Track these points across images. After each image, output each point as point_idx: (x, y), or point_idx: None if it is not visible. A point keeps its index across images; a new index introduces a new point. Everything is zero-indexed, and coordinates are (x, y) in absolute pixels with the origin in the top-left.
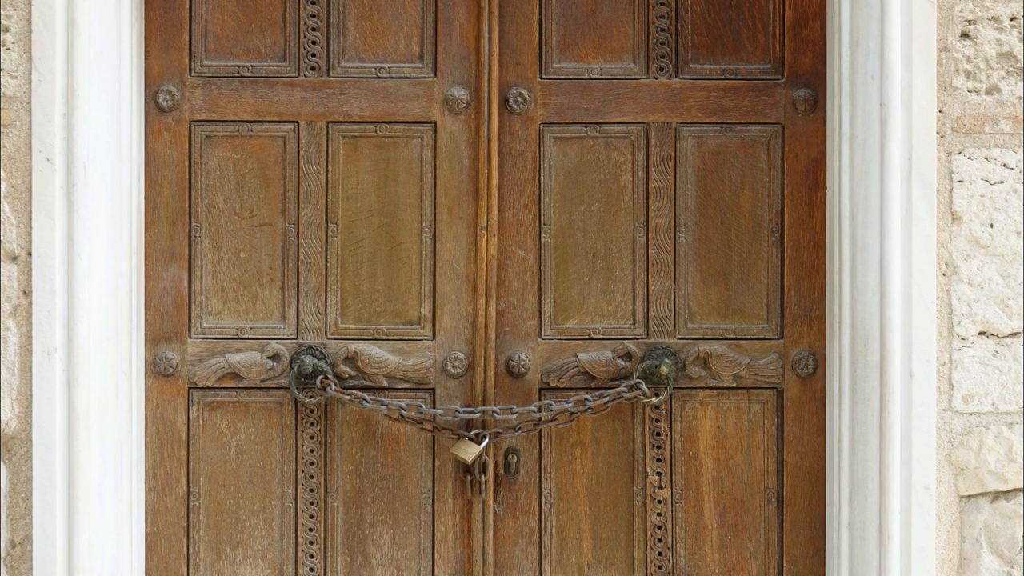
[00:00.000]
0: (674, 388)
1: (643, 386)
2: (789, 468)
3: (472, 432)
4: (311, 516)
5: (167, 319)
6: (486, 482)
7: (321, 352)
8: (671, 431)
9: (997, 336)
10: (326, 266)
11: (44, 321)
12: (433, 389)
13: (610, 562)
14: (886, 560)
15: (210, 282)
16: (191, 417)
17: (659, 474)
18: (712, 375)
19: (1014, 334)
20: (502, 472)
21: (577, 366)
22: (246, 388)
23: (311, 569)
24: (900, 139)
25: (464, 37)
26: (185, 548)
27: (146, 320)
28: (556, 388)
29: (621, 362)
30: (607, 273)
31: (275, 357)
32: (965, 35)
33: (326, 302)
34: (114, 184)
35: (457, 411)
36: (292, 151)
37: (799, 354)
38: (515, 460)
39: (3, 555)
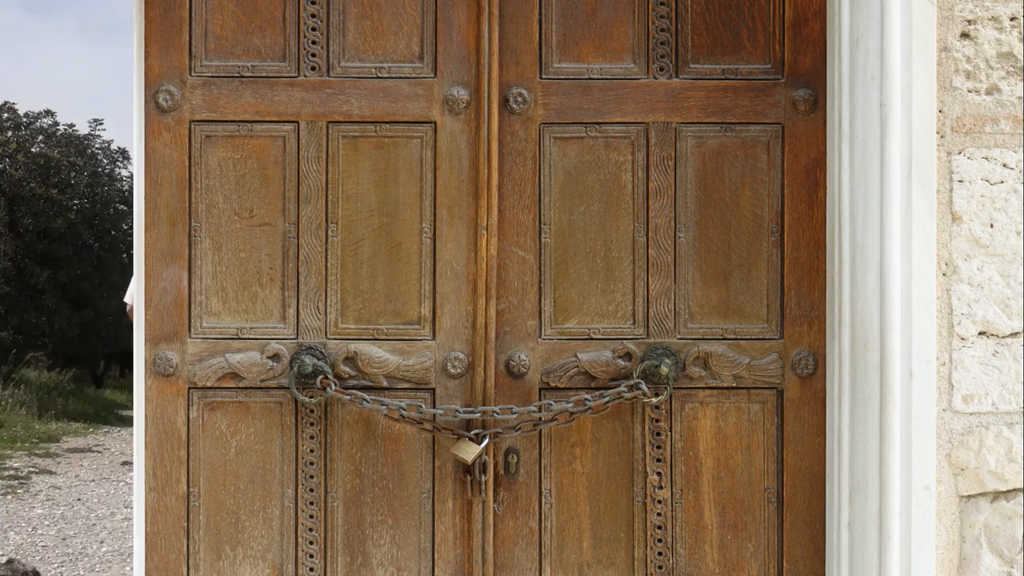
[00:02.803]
0: (674, 388)
1: (643, 386)
2: (789, 468)
3: (472, 432)
4: (311, 516)
5: (167, 319)
6: (486, 482)
7: (321, 352)
8: (671, 431)
9: (997, 336)
10: (326, 266)
11: None
12: (433, 389)
13: (610, 562)
14: (886, 560)
15: (210, 282)
16: (191, 417)
17: (659, 474)
18: (712, 375)
19: (1014, 334)
20: (502, 472)
21: (577, 366)
22: (246, 388)
23: (311, 569)
24: (900, 139)
25: (464, 37)
26: (185, 548)
27: (146, 320)
28: (556, 388)
29: (621, 362)
30: (607, 273)
31: (275, 357)
32: (965, 35)
33: (326, 302)
34: None
35: (457, 411)
36: (292, 151)
37: (799, 354)
38: (515, 460)
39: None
